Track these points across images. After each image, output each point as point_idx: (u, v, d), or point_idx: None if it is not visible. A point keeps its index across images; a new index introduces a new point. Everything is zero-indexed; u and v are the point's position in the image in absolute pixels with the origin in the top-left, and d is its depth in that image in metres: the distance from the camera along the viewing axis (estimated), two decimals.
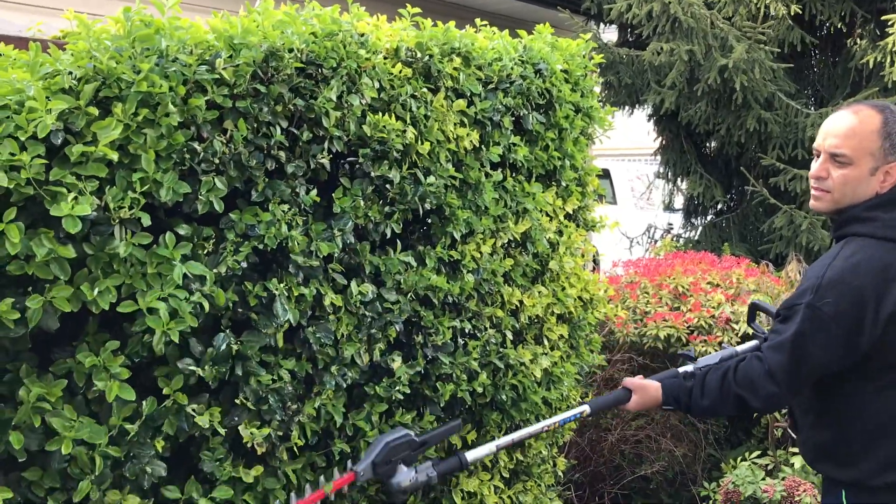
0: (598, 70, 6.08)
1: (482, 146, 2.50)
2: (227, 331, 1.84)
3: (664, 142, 7.08)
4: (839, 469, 1.92)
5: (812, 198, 1.97)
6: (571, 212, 2.97)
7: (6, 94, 1.57)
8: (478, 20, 2.81)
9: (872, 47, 5.89)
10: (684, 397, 2.03)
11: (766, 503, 3.29)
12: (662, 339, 3.91)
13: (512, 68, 2.61)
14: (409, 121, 2.22)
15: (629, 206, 11.14)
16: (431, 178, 2.27)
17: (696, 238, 6.82)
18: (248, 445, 1.87)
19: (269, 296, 1.91)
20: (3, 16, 4.27)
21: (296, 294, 1.95)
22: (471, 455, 1.98)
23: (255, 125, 1.90)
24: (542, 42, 2.83)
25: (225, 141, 1.84)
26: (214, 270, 1.80)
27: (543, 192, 2.75)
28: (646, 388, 2.10)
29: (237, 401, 1.87)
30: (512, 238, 2.62)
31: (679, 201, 7.59)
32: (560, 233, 2.89)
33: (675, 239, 7.01)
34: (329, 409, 2.05)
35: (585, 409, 2.15)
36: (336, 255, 2.08)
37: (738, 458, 3.62)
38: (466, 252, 2.42)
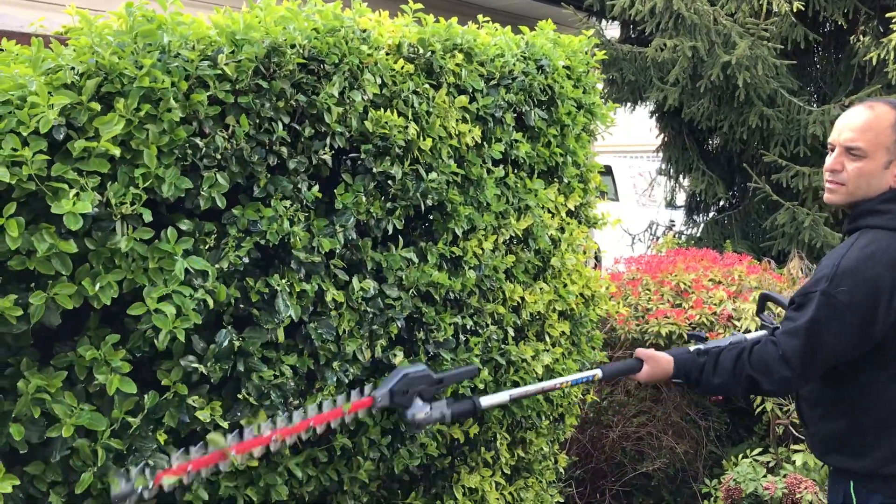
0: (601, 66, 6.07)
1: (484, 142, 2.50)
2: (230, 327, 1.84)
3: (666, 138, 7.07)
4: (851, 459, 1.94)
5: (826, 190, 2.00)
6: (573, 208, 2.97)
7: (8, 90, 1.57)
8: (480, 16, 2.81)
9: (875, 44, 5.88)
10: (695, 372, 2.04)
11: (768, 500, 3.29)
12: (664, 336, 3.91)
13: (514, 65, 2.61)
14: (411, 117, 2.22)
15: (631, 202, 11.12)
16: (433, 175, 2.27)
17: (698, 235, 6.81)
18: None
19: (271, 292, 1.91)
20: (5, 11, 4.27)
21: (297, 290, 1.95)
22: (485, 401, 2.00)
23: (257, 121, 1.90)
24: (545, 38, 2.82)
25: (227, 136, 1.84)
26: (216, 266, 1.80)
27: (545, 188, 2.75)
28: (657, 360, 2.10)
29: (239, 396, 1.87)
30: (514, 234, 2.62)
31: (681, 198, 7.58)
32: (562, 229, 2.89)
33: (676, 236, 7.00)
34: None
35: (598, 373, 2.14)
36: (338, 251, 2.08)
37: (740, 456, 3.62)
38: (468, 248, 2.42)
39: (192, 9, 2.01)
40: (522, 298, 2.66)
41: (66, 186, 1.56)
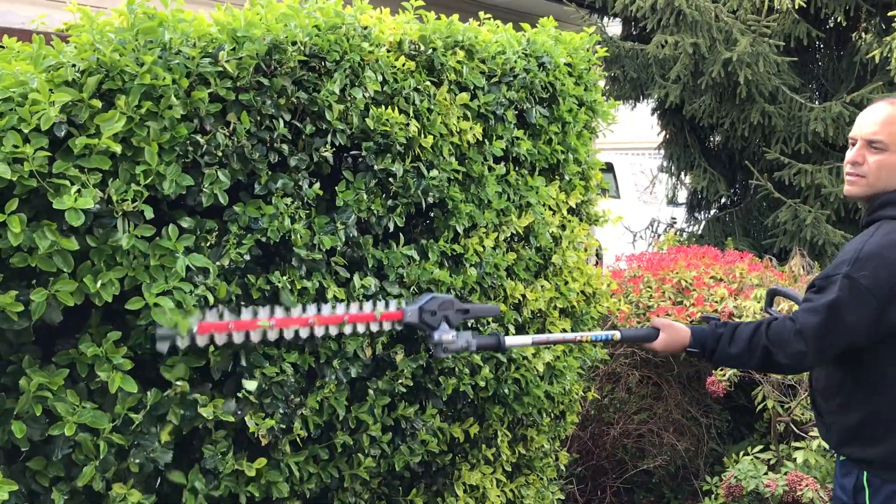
0: (603, 63, 6.07)
1: (485, 140, 2.50)
2: None
3: (668, 136, 7.06)
4: (867, 448, 1.97)
5: (847, 183, 2.05)
6: (574, 206, 2.97)
7: (10, 87, 1.57)
8: (481, 13, 2.81)
9: (878, 42, 5.87)
10: (711, 342, 2.06)
11: (769, 497, 3.29)
12: None
13: (515, 62, 2.61)
14: (412, 114, 2.22)
15: (632, 200, 11.10)
16: (434, 172, 2.27)
17: (700, 232, 6.81)
18: (254, 436, 1.88)
19: (273, 289, 1.92)
20: (7, 7, 4.27)
21: (299, 287, 1.96)
22: (509, 340, 2.04)
23: (259, 118, 1.90)
24: (546, 35, 2.82)
25: (228, 134, 1.84)
26: (217, 263, 1.80)
27: (546, 185, 2.75)
28: (675, 329, 2.11)
29: (240, 394, 1.87)
30: (515, 232, 2.62)
31: (682, 195, 7.58)
32: (563, 227, 2.89)
33: (678, 233, 6.99)
34: (332, 403, 2.05)
35: (616, 334, 2.15)
36: (339, 248, 2.08)
37: (741, 453, 3.62)
38: (469, 246, 2.42)
39: (194, 6, 2.01)
40: (523, 296, 2.66)
41: (67, 183, 1.56)
